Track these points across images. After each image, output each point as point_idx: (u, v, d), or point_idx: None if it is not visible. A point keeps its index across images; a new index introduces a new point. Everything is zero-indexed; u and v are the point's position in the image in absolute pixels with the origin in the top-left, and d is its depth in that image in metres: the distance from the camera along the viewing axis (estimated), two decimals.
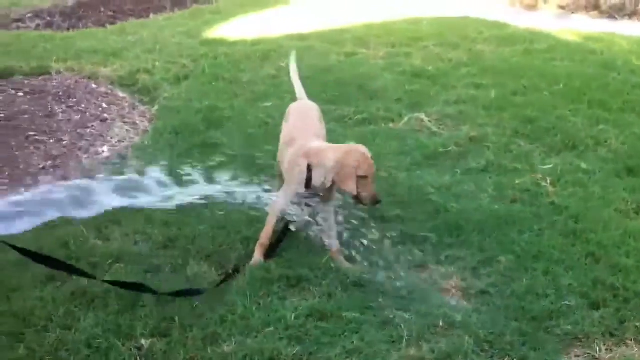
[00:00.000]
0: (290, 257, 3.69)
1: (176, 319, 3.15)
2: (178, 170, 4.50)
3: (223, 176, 4.44)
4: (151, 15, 9.85)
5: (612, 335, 3.16)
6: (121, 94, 6.25)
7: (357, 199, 3.58)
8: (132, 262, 3.63)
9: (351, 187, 3.52)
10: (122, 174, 4.60)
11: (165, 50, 7.64)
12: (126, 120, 5.66)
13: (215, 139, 5.24)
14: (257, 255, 3.68)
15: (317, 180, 3.61)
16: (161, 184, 4.47)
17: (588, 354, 3.06)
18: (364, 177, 3.53)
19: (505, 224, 4.07)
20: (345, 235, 3.81)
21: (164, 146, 5.09)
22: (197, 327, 3.12)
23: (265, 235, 3.72)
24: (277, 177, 4.23)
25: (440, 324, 3.19)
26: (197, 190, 4.33)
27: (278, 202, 3.73)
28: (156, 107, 5.96)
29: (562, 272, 3.58)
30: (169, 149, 5.02)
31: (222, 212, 4.08)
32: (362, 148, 3.68)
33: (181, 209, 4.17)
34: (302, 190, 3.65)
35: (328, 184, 3.61)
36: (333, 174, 3.55)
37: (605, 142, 5.28)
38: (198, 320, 3.17)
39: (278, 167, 4.12)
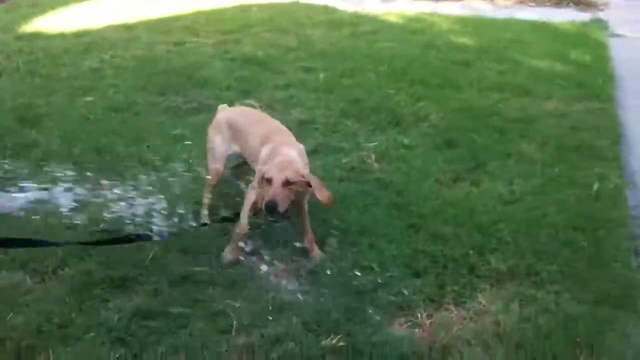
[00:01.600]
0: (114, 257, 3.52)
1: None
2: None
3: (37, 177, 4.18)
4: None
5: (432, 300, 3.31)
6: None
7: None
8: None
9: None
10: None
11: None
12: None
13: (31, 138, 4.90)
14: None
15: None
16: None
17: (410, 321, 3.18)
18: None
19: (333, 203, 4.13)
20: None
21: None
22: (10, 341, 2.91)
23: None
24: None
25: (270, 308, 3.19)
26: (7, 195, 4.05)
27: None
28: None
29: (385, 245, 3.70)
30: None
31: (37, 217, 3.84)
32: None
33: None
34: None
35: None
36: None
37: (426, 117, 5.53)
38: (12, 334, 2.95)
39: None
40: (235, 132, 3.84)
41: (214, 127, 3.95)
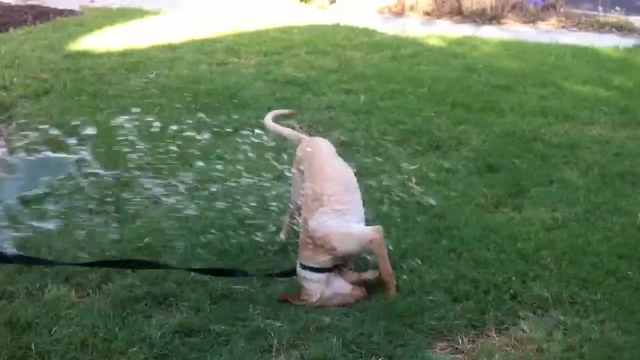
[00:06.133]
0: (157, 274, 3.57)
1: (32, 346, 2.98)
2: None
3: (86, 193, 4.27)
4: (11, 30, 9.34)
5: (474, 327, 3.27)
6: None
7: None
8: None
9: None
10: None
11: (24, 65, 7.26)
12: None
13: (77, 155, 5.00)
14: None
15: None
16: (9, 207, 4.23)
17: (452, 346, 3.16)
18: None
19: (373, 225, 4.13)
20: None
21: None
22: (55, 354, 2.97)
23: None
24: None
25: (310, 329, 3.19)
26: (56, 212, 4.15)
27: None
28: (13, 125, 5.63)
29: (427, 269, 3.68)
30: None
31: (83, 231, 3.92)
32: None
33: (38, 231, 3.97)
34: None
35: None
36: None
37: (467, 141, 5.52)
38: (56, 347, 3.01)
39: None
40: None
41: None
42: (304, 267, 3.45)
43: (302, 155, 3.83)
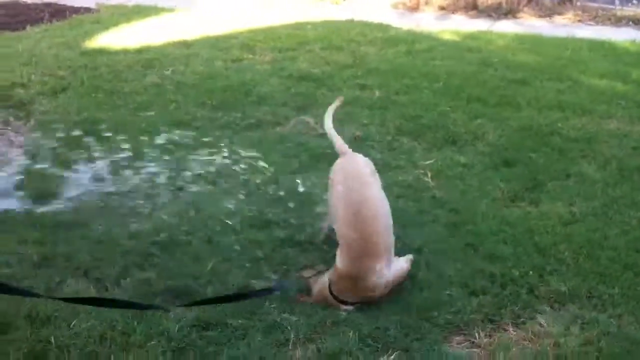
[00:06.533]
0: (173, 268, 3.60)
1: (52, 340, 3.01)
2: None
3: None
4: (28, 28, 9.41)
5: (490, 321, 3.26)
6: None
7: None
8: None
9: None
10: None
11: (41, 62, 7.31)
12: None
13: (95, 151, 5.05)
14: None
15: None
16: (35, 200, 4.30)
17: (468, 340, 3.15)
18: None
19: None
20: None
21: (40, 161, 4.86)
22: (74, 347, 2.98)
23: None
24: None
25: (326, 323, 3.20)
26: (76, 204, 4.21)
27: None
28: (32, 122, 5.69)
29: (443, 263, 3.68)
30: (44, 164, 4.80)
31: (100, 226, 3.95)
32: None
33: (57, 225, 4.01)
34: None
35: None
36: None
37: (483, 135, 5.49)
38: (75, 340, 3.03)
39: None
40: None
41: None
42: (346, 302, 3.37)
43: (339, 173, 3.72)
